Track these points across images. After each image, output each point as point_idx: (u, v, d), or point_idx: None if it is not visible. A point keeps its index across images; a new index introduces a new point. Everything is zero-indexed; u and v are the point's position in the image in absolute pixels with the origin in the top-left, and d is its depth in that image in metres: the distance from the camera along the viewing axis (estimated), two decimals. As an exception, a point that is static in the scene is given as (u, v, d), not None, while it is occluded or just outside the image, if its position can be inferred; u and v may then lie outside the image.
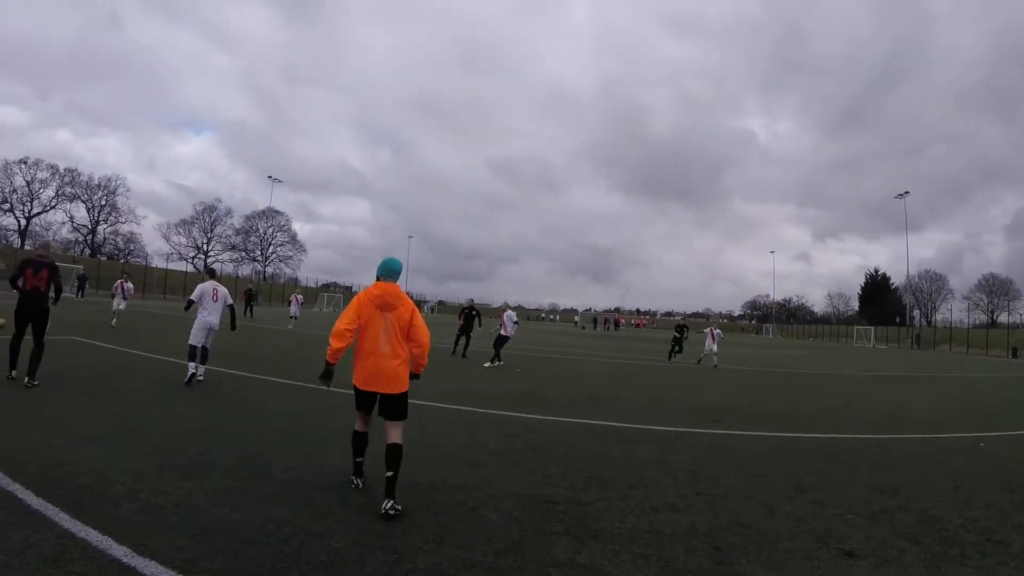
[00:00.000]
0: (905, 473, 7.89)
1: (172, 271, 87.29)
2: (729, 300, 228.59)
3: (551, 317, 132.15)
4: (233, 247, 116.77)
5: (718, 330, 26.70)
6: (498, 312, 24.16)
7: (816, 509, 6.04)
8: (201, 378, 11.36)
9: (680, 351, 27.70)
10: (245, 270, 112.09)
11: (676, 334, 28.13)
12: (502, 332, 20.11)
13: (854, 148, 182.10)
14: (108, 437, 7.09)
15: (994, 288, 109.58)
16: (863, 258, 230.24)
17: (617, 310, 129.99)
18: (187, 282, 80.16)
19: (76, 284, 51.59)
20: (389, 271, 6.01)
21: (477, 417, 10.10)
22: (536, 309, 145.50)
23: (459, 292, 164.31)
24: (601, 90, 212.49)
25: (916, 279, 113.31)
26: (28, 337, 10.04)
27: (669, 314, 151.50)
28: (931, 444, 10.29)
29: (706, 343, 25.82)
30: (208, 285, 12.08)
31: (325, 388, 5.74)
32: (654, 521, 5.37)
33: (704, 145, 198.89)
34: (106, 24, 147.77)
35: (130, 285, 25.44)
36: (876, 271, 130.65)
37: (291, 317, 35.27)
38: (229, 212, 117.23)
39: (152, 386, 10.80)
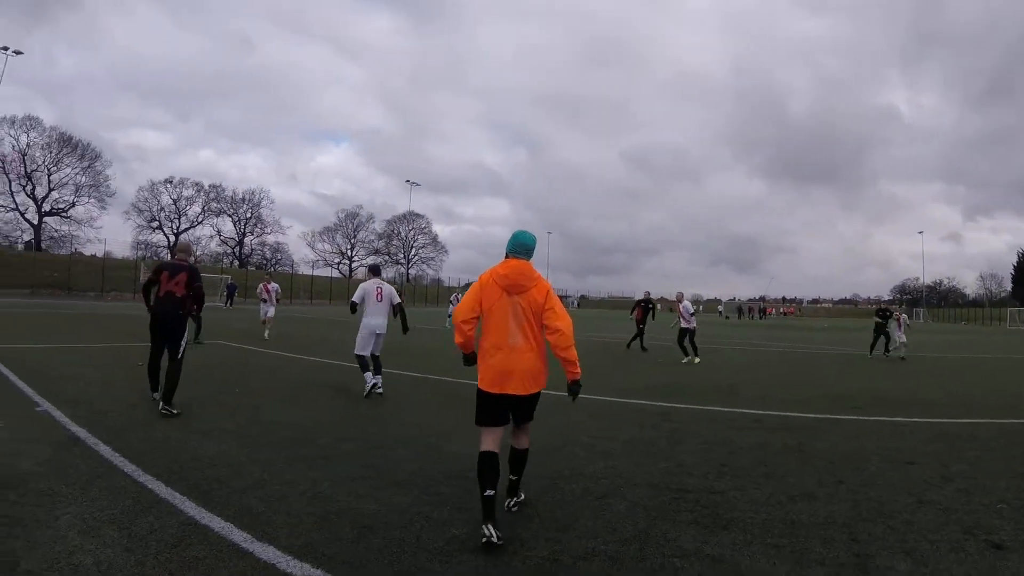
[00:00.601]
0: None
1: (318, 277, 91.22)
2: (877, 285, 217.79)
3: (694, 308, 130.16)
4: (376, 251, 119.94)
5: (904, 315, 24.05)
6: (673, 304, 22.76)
7: (964, 498, 5.63)
8: (380, 391, 10.29)
9: (877, 343, 23.13)
10: (389, 272, 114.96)
11: (878, 319, 23.42)
12: (682, 324, 19.33)
13: (1003, 119, 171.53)
14: (242, 432, 7.41)
15: None
16: (1015, 236, 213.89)
17: (762, 299, 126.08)
18: (332, 287, 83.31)
19: (225, 293, 54.81)
20: (520, 245, 5.04)
21: (612, 406, 10.02)
22: (677, 300, 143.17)
23: (600, 286, 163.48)
24: (734, 73, 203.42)
25: None
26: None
27: (816, 301, 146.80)
28: None
29: (894, 333, 22.90)
30: (371, 284, 10.87)
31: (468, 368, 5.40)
32: (790, 511, 5.13)
33: (845, 124, 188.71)
34: (239, 46, 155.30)
35: (275, 285, 23.26)
36: None
37: (449, 316, 33.96)
38: (371, 218, 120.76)
39: (291, 384, 11.20)
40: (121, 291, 62.98)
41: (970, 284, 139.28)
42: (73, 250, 77.68)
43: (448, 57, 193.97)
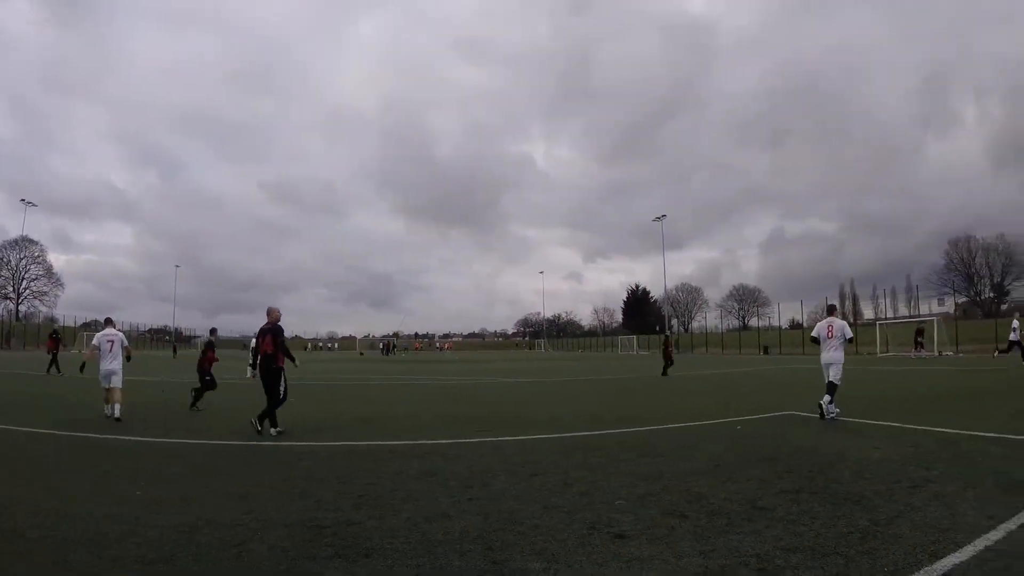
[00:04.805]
0: (669, 459, 8.33)
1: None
2: (504, 320, 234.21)
3: (329, 346, 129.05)
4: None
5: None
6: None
7: (586, 500, 6.18)
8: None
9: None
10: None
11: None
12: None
13: (628, 174, 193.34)
14: None
15: (744, 296, 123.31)
16: (628, 275, 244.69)
17: (396, 335, 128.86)
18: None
19: None
20: None
21: (248, 449, 9.60)
22: (313, 338, 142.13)
23: (232, 325, 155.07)
24: (386, 109, 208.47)
25: (674, 292, 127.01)
26: None
27: (447, 336, 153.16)
28: (692, 431, 11.01)
29: None
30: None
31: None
32: (426, 531, 5.23)
33: (487, 169, 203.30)
34: None
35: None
36: (637, 286, 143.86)
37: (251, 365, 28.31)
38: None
39: None
40: None
41: (586, 317, 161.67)
42: None
43: (87, 59, 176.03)
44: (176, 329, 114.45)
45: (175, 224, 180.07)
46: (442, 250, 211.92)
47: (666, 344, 30.55)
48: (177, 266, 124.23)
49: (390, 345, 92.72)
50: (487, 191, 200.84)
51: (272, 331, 11.15)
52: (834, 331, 12.68)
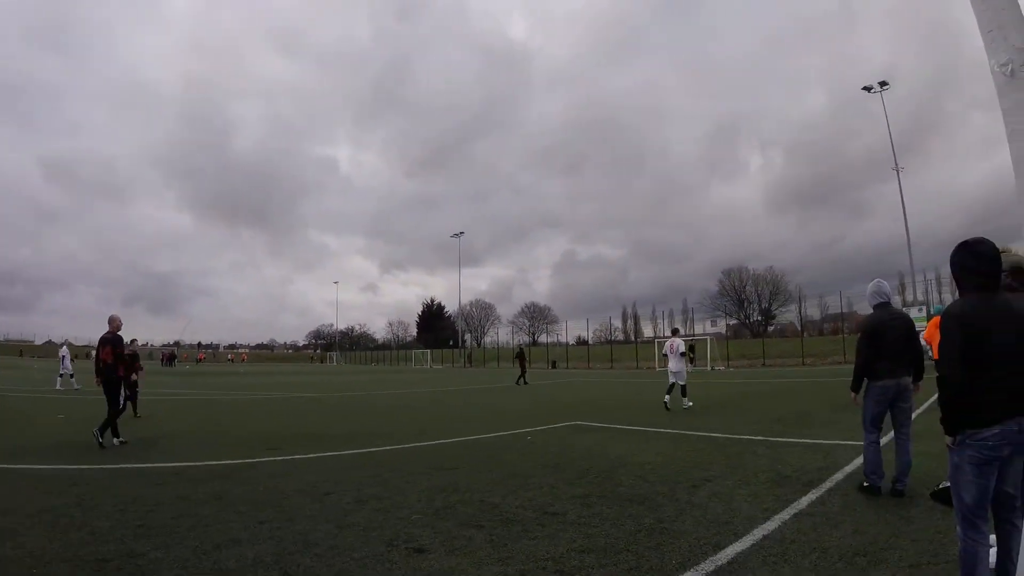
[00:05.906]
0: (462, 471, 8.50)
1: None
2: (294, 331, 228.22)
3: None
4: None
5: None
6: None
7: (382, 516, 6.16)
8: None
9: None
10: None
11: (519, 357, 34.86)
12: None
13: (431, 187, 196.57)
14: None
15: (535, 314, 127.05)
16: (424, 289, 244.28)
17: (177, 344, 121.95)
18: None
19: None
20: None
21: (13, 476, 8.70)
22: (85, 345, 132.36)
23: None
24: (184, 89, 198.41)
25: (468, 307, 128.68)
26: None
27: (233, 346, 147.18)
28: (485, 443, 11.29)
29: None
30: None
31: None
32: (217, 560, 4.97)
33: (287, 168, 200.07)
34: None
35: None
36: (432, 300, 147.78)
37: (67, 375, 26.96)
38: None
39: None
40: None
41: (380, 330, 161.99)
42: None
43: None
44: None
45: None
46: (232, 252, 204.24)
47: (521, 357, 35.08)
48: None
49: (172, 355, 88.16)
50: (285, 192, 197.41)
51: (112, 341, 11.67)
52: (675, 347, 17.46)
